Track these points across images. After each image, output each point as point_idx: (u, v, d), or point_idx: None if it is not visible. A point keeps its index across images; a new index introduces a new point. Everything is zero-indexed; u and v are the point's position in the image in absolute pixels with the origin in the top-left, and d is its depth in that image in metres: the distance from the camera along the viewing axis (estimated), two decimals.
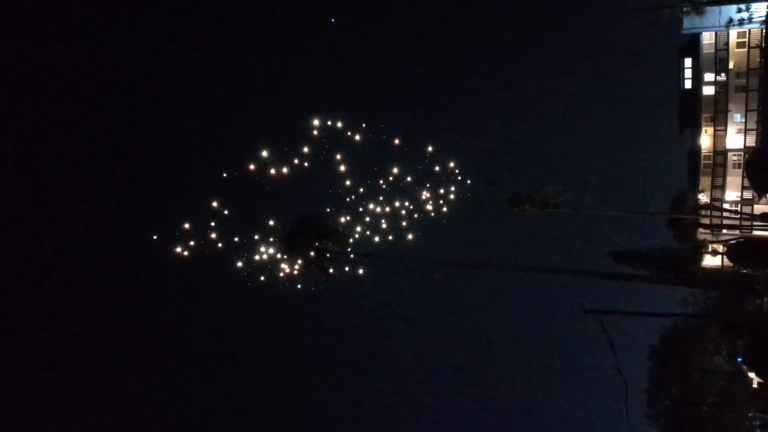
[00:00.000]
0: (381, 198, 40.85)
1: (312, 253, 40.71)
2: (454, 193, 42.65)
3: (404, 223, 42.71)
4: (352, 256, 42.12)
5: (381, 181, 40.51)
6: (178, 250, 38.58)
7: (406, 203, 41.91)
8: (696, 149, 43.03)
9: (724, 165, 42.26)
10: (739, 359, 41.64)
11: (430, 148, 41.04)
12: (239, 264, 40.96)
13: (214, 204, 39.57)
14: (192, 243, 39.51)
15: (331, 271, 40.56)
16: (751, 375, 41.21)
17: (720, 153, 42.33)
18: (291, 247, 41.07)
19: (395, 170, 40.06)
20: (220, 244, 40.12)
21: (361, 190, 40.31)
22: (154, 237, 38.47)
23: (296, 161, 37.72)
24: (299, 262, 40.56)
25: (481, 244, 47.51)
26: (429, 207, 42.96)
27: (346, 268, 41.67)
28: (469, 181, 42.89)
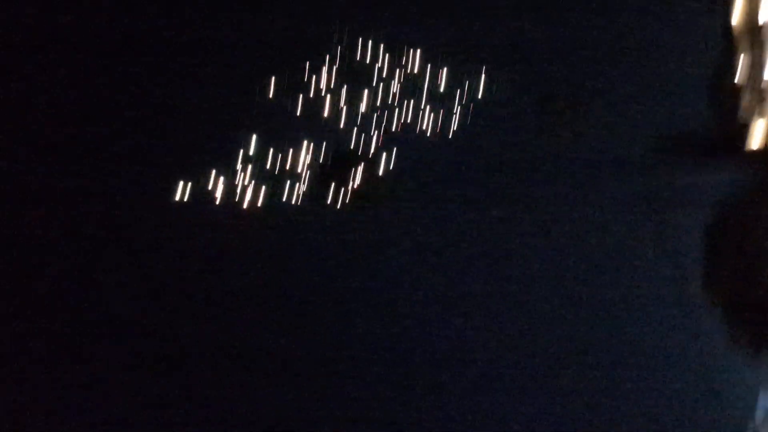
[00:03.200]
0: (408, 118, 40.49)
1: (347, 183, 40.79)
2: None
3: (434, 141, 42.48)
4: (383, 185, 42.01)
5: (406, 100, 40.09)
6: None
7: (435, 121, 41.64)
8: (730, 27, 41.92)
9: (760, 40, 40.94)
10: None
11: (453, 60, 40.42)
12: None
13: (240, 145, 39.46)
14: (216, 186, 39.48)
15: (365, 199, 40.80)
16: None
17: (756, 29, 41.15)
18: (326, 178, 41.03)
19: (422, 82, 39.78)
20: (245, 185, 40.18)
21: (388, 113, 40.01)
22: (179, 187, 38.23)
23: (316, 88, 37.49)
24: (335, 192, 40.62)
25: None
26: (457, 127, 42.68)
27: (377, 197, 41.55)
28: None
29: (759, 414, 49.88)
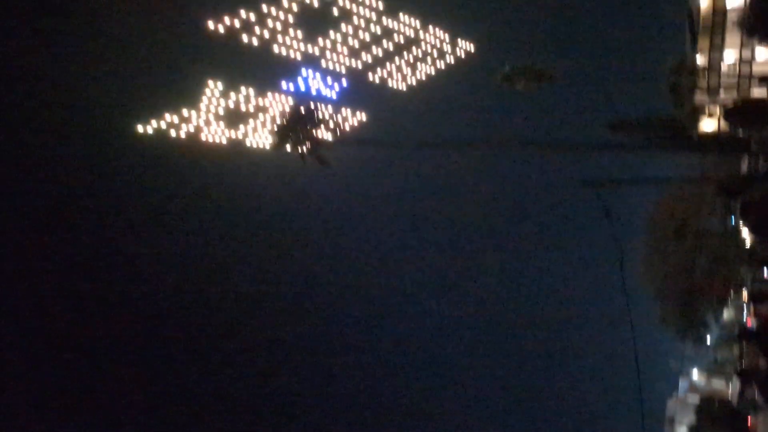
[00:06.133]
0: (369, 74, 39.52)
1: (306, 143, 40.01)
2: (444, 68, 41.58)
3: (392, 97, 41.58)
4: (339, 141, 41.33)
5: (367, 55, 38.83)
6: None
7: (396, 82, 40.71)
8: (695, 9, 42.16)
9: (723, 24, 41.44)
10: (733, 219, 41.60)
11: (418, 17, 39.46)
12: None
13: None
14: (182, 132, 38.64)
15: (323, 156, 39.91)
16: (744, 233, 41.17)
17: (719, 12, 41.51)
18: (283, 138, 40.34)
19: (385, 44, 38.69)
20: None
21: (346, 66, 38.53)
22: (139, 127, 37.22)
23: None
24: (293, 149, 39.86)
25: (475, 121, 46.79)
26: (417, 83, 41.84)
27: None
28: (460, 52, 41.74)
29: (678, 396, 50.28)
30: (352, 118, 43.86)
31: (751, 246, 40.66)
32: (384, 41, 40.54)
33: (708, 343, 46.52)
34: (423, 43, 42.03)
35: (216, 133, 40.30)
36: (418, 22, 40.72)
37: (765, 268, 40.27)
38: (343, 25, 38.43)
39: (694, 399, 47.59)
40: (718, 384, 48.76)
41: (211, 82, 39.03)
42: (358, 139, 44.34)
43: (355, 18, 38.42)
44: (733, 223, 41.53)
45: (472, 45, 43.86)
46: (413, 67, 42.50)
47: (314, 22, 37.50)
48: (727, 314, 45.92)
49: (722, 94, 42.74)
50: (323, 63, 39.05)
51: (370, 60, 40.63)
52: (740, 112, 41.19)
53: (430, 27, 41.59)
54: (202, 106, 39.58)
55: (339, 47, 39.01)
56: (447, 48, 43.17)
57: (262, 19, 35.93)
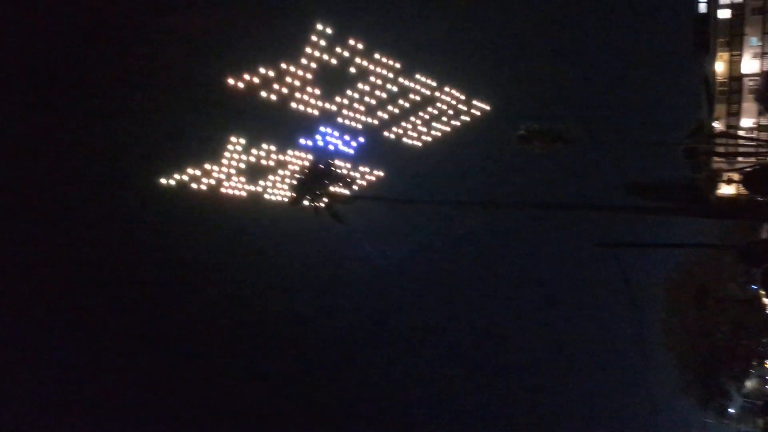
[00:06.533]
0: (385, 132, 39.97)
1: (322, 198, 40.27)
2: (460, 127, 41.92)
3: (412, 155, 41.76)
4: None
5: (383, 113, 39.27)
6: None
7: (412, 140, 41.12)
8: (711, 76, 42.34)
9: (739, 91, 41.48)
10: (754, 287, 40.56)
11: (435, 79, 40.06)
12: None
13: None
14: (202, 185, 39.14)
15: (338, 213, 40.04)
16: (766, 301, 40.06)
17: (735, 79, 41.61)
18: (301, 193, 40.67)
19: (401, 102, 39.27)
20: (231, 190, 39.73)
21: (363, 123, 38.91)
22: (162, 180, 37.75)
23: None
24: (310, 206, 40.09)
25: (490, 180, 46.94)
26: (434, 140, 42.14)
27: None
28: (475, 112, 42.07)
29: None
30: (369, 175, 43.87)
31: None
32: (400, 100, 40.75)
33: (731, 412, 44.64)
34: (439, 103, 42.28)
35: (236, 187, 40.44)
36: (434, 82, 41.02)
37: None
38: (360, 84, 38.80)
39: None
40: None
41: (233, 138, 39.35)
42: (373, 195, 44.35)
43: (372, 77, 38.84)
44: (755, 290, 40.46)
45: (488, 105, 44.04)
46: (429, 126, 42.69)
47: (332, 80, 37.95)
48: (750, 385, 44.21)
49: (740, 160, 42.38)
50: (341, 120, 39.30)
51: (386, 117, 40.82)
52: (758, 179, 40.68)
53: (446, 87, 41.84)
54: (224, 160, 39.90)
55: (356, 105, 39.33)
56: (462, 107, 43.43)
57: (281, 77, 36.52)
